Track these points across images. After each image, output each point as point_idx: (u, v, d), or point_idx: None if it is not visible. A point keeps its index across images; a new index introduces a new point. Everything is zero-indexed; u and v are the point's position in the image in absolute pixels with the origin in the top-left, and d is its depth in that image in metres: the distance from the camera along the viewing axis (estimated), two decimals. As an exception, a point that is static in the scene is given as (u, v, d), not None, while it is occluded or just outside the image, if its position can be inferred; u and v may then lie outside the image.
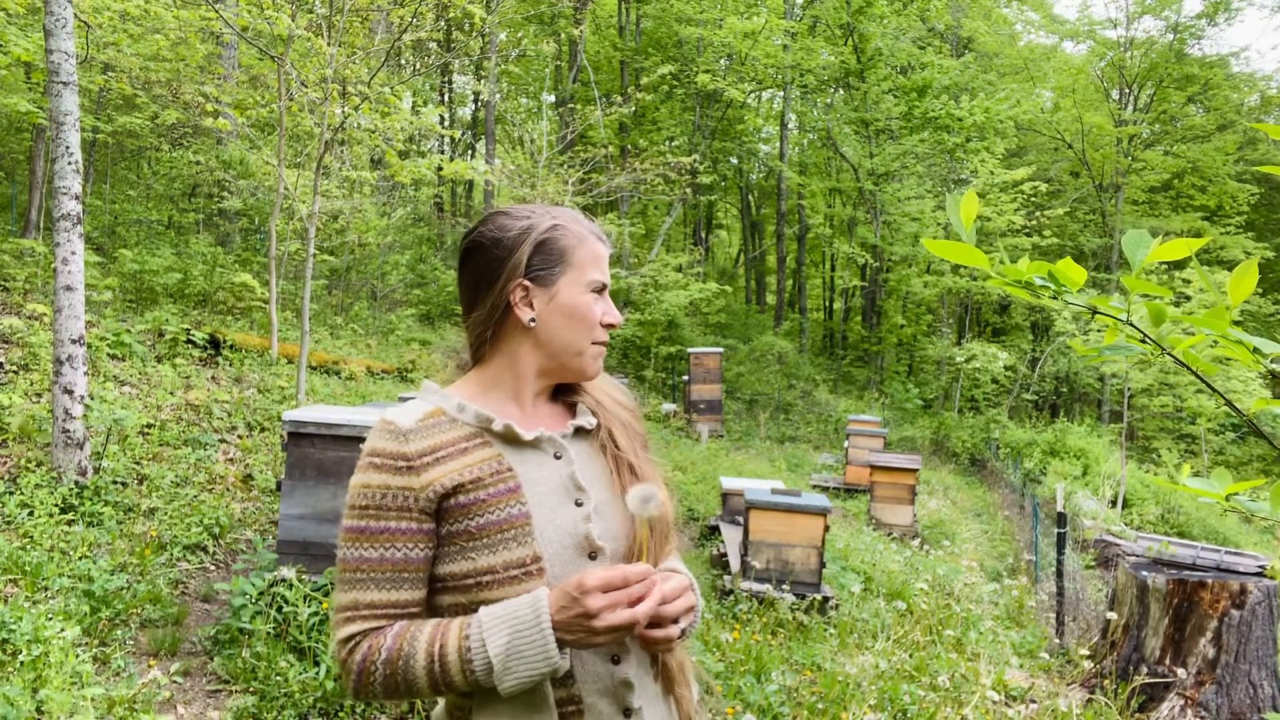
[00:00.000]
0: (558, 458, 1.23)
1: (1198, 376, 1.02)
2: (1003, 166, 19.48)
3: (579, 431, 1.28)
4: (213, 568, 4.85)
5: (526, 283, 1.23)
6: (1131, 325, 0.99)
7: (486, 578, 1.14)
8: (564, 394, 1.34)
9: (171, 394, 6.93)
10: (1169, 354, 0.99)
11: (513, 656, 1.07)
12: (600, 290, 1.29)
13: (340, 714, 3.30)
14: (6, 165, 13.04)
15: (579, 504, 1.20)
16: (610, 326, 1.29)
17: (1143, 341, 1.01)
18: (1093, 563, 7.87)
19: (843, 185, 21.98)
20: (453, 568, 1.16)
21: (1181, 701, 4.04)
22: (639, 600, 1.07)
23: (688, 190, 17.02)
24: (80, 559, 4.39)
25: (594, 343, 1.28)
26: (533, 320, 1.23)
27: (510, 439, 1.21)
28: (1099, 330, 12.22)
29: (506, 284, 1.23)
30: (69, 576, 4.17)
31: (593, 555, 1.18)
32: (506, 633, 1.08)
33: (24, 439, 5.51)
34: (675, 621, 1.13)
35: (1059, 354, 19.99)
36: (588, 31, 19.79)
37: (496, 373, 1.27)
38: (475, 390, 1.27)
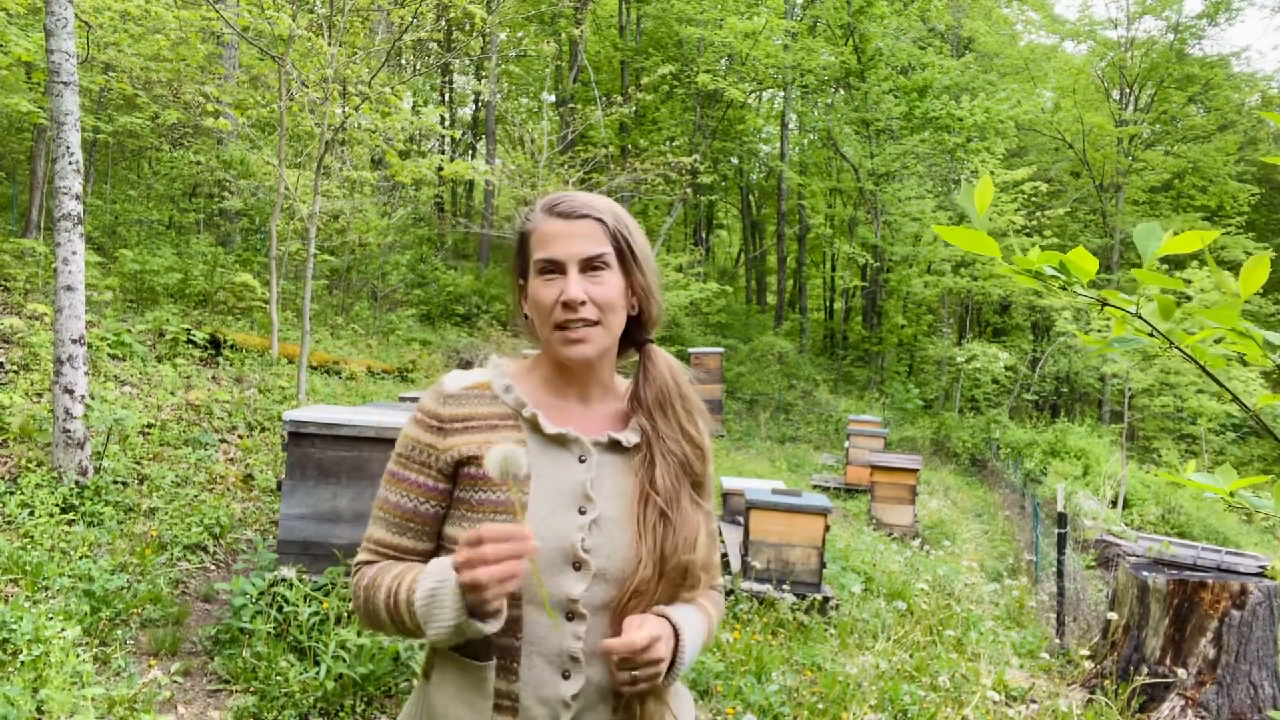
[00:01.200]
0: (581, 461, 1.23)
1: (1205, 371, 1.01)
2: (1003, 167, 19.49)
3: (614, 444, 1.25)
4: (213, 568, 4.85)
5: (521, 283, 1.29)
6: (1141, 318, 0.99)
7: None
8: (635, 399, 1.29)
9: (172, 394, 6.93)
10: (1177, 347, 0.99)
11: (433, 604, 1.10)
12: (552, 269, 1.20)
13: (340, 714, 3.30)
14: (7, 165, 13.04)
15: (582, 512, 1.19)
16: (569, 305, 1.17)
17: (1151, 335, 1.00)
18: (1093, 563, 7.86)
19: (843, 185, 21.97)
20: (451, 531, 1.22)
21: (1182, 702, 4.04)
22: (493, 561, 1.03)
23: (688, 190, 17.01)
24: (80, 559, 4.39)
25: (556, 327, 1.19)
26: (525, 317, 1.29)
27: (537, 429, 1.22)
28: (1099, 331, 12.22)
29: (514, 288, 1.31)
30: (69, 576, 4.17)
31: (577, 565, 1.17)
32: (434, 580, 1.11)
33: (24, 439, 5.50)
34: (639, 667, 1.12)
35: (1059, 354, 19.98)
36: (588, 31, 19.79)
37: (543, 364, 1.30)
38: (528, 375, 1.29)
